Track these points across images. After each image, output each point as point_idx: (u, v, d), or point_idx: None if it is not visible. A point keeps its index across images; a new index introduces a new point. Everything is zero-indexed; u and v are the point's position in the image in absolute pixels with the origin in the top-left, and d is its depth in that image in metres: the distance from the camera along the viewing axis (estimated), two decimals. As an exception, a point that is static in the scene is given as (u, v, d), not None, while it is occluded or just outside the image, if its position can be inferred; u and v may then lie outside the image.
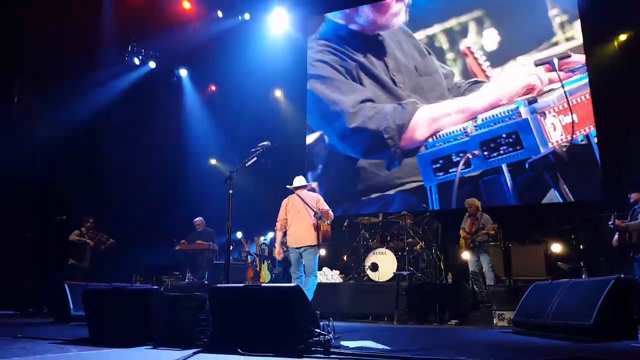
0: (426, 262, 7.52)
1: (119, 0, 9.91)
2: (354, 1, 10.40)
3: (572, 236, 7.77)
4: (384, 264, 7.22)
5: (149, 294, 4.11)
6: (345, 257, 8.64)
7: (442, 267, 7.54)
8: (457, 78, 10.53)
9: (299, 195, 5.76)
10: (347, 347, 3.56)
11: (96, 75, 9.96)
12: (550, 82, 9.69)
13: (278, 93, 11.53)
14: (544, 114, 9.74)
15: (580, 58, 9.38)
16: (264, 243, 9.70)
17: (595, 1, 8.60)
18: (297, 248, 5.60)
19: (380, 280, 7.19)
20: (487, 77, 10.35)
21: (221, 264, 8.49)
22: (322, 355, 3.27)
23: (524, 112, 9.90)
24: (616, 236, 5.71)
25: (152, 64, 11.05)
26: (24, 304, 7.79)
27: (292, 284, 3.72)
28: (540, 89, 9.71)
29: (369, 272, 7.34)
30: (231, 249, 9.14)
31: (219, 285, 4.08)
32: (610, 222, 5.60)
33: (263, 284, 5.86)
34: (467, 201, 7.12)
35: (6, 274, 7.91)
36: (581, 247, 7.54)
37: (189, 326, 3.75)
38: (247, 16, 10.93)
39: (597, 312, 3.81)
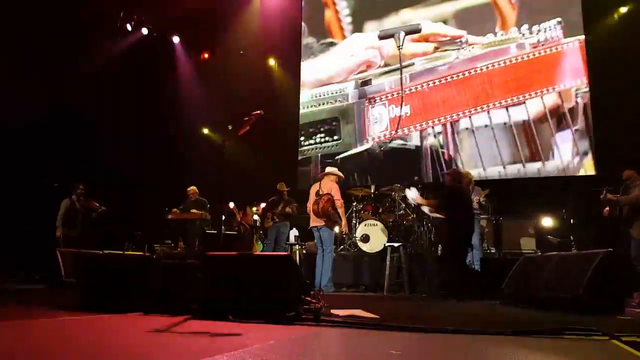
0: (417, 233, 7.56)
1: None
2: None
3: (563, 210, 7.83)
4: (375, 235, 7.26)
5: (141, 261, 4.11)
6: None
7: (433, 239, 7.59)
8: (308, 38, 10.37)
9: (320, 182, 6.71)
10: (337, 315, 3.59)
11: (88, 41, 9.70)
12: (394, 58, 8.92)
13: (272, 61, 11.34)
14: (373, 101, 9.34)
15: (451, 32, 8.96)
16: (255, 214, 9.70)
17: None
18: (313, 227, 6.60)
19: (371, 251, 7.25)
20: (343, 35, 10.01)
21: (213, 233, 8.50)
22: (312, 322, 3.29)
23: (352, 95, 9.62)
24: (607, 208, 5.75)
25: (144, 30, 10.78)
26: (15, 267, 7.78)
27: (284, 253, 3.73)
28: (376, 65, 9.20)
29: (360, 243, 7.38)
30: (223, 218, 9.18)
31: (211, 252, 4.07)
32: (601, 196, 5.63)
33: (254, 253, 5.91)
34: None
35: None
36: (572, 221, 7.60)
37: (180, 293, 3.76)
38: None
39: (585, 285, 3.86)
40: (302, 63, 10.56)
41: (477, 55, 8.95)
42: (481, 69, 8.87)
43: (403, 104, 9.02)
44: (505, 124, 8.62)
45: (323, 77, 10.46)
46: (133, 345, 2.42)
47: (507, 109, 8.63)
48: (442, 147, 8.96)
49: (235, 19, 10.89)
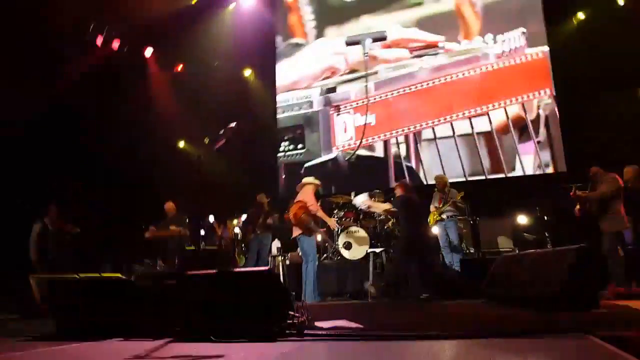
0: (398, 238, 7.61)
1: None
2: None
3: (537, 207, 8.00)
4: (357, 243, 7.28)
5: (117, 284, 4.03)
6: (319, 237, 8.67)
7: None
8: (281, 45, 10.37)
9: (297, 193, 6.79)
10: (321, 328, 3.58)
11: (57, 55, 9.50)
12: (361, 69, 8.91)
13: (247, 72, 11.32)
14: (338, 109, 9.26)
15: (429, 37, 8.96)
16: (236, 227, 9.62)
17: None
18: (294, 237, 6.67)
19: (354, 259, 7.26)
20: (305, 34, 9.94)
21: (193, 250, 8.39)
22: (296, 337, 3.28)
23: (317, 102, 9.47)
24: (577, 206, 5.91)
25: (115, 43, 10.61)
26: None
27: (265, 267, 3.71)
28: (341, 71, 9.12)
29: (342, 250, 7.39)
30: (203, 233, 9.08)
31: (190, 272, 4.03)
32: (570, 193, 5.78)
33: (236, 269, 5.84)
34: (435, 177, 7.23)
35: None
36: (545, 218, 7.78)
37: (160, 315, 3.70)
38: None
39: (561, 281, 3.95)
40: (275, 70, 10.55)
41: (442, 65, 8.95)
42: (445, 79, 8.88)
43: (368, 113, 9.00)
44: (468, 135, 8.65)
45: (287, 82, 10.31)
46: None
47: (470, 120, 8.63)
48: (406, 158, 8.97)
49: (209, 30, 10.83)
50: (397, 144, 9.06)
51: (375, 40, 9.10)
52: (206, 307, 3.60)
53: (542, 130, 8.30)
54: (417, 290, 6.14)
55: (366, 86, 8.98)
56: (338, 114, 9.26)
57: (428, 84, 8.92)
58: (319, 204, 8.41)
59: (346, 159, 8.99)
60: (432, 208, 7.11)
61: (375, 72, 9.22)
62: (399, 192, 6.55)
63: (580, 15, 8.76)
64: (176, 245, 8.25)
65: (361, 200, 6.51)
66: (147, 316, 3.74)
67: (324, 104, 9.48)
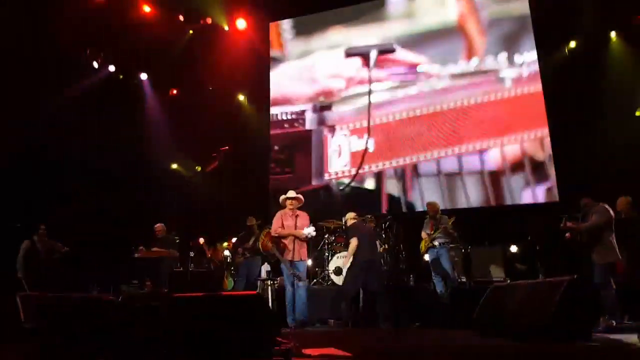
0: (389, 264, 7.57)
1: (77, 4, 9.54)
2: (312, 9, 10.33)
3: (529, 237, 8.01)
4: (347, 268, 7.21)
5: (105, 305, 3.95)
6: (309, 262, 8.59)
7: (405, 269, 7.61)
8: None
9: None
10: (309, 355, 3.52)
11: (54, 79, 9.57)
12: (361, 82, 8.23)
13: (241, 97, 11.41)
14: (332, 130, 8.43)
15: (414, 58, 8.20)
16: (226, 249, 9.54)
17: (545, 7, 8.51)
18: None
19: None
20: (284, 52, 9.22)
21: (181, 272, 8.28)
22: (284, 364, 3.22)
23: (310, 120, 8.61)
24: (568, 234, 5.92)
25: (111, 68, 10.75)
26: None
27: (253, 292, 3.67)
28: (339, 90, 8.38)
29: (333, 276, 7.32)
30: (192, 255, 8.98)
31: (177, 295, 3.96)
32: (561, 224, 5.80)
33: (224, 292, 5.77)
34: (427, 203, 7.25)
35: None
36: (537, 247, 7.78)
37: (146, 337, 3.62)
38: (208, 20, 10.77)
39: (553, 313, 3.92)
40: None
41: (448, 87, 8.17)
42: (455, 104, 8.07)
43: (368, 136, 8.16)
44: (477, 172, 7.90)
45: (277, 95, 9.50)
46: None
47: (480, 154, 7.84)
48: (404, 191, 8.23)
49: (203, 55, 10.97)
50: (398, 176, 8.24)
51: (382, 52, 8.34)
52: (193, 331, 3.53)
53: (550, 167, 7.99)
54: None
55: (369, 105, 8.17)
56: (333, 136, 8.42)
57: (435, 108, 8.19)
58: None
59: (340, 188, 8.19)
60: (423, 235, 7.09)
61: (375, 91, 8.46)
62: (349, 221, 6.68)
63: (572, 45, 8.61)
64: (165, 267, 8.15)
65: (307, 232, 6.37)
66: (133, 338, 3.65)
67: (317, 123, 8.66)
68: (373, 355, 3.54)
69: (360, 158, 8.25)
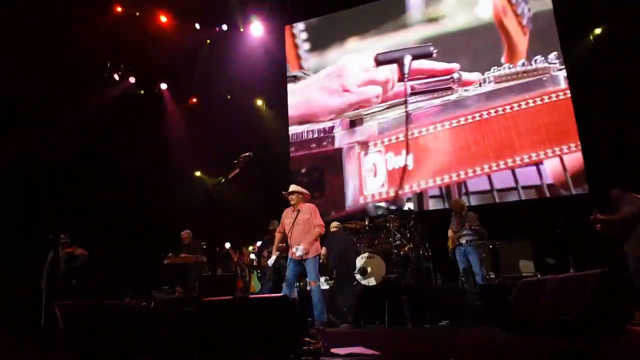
0: (415, 264, 7.53)
1: (96, 17, 9.83)
2: (327, 10, 10.32)
3: (558, 230, 7.84)
4: (372, 268, 7.22)
5: (139, 311, 4.07)
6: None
7: (431, 268, 7.56)
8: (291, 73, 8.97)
9: None
10: (337, 355, 3.55)
11: (76, 92, 9.87)
12: (396, 95, 7.40)
13: (259, 102, 11.52)
14: (366, 146, 7.63)
15: (451, 62, 7.29)
16: (252, 253, 9.65)
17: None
18: None
19: (369, 284, 7.19)
20: (303, 68, 8.56)
21: (210, 276, 8.42)
22: (313, 364, 3.25)
23: (340, 138, 7.82)
24: (598, 225, 5.79)
25: (132, 79, 11.02)
26: (13, 325, 7.63)
27: (280, 294, 3.72)
28: (377, 96, 7.59)
29: (357, 276, 7.32)
30: (219, 260, 9.13)
31: (206, 299, 4.05)
32: (591, 216, 5.68)
33: (252, 295, 5.85)
34: (451, 201, 7.18)
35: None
36: (568, 241, 7.61)
37: (179, 341, 3.72)
38: (224, 27, 10.93)
39: (584, 307, 3.84)
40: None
41: (494, 92, 7.34)
42: (504, 109, 7.27)
43: (407, 152, 7.17)
44: (536, 187, 7.05)
45: (300, 113, 8.86)
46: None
47: (537, 167, 7.02)
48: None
49: (221, 63, 11.12)
50: (442, 196, 7.31)
51: (417, 57, 7.52)
52: (224, 333, 3.60)
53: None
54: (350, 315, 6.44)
55: (406, 117, 7.28)
56: (366, 154, 7.55)
57: (481, 116, 7.33)
58: None
59: (379, 213, 7.37)
60: (450, 233, 7.03)
61: (415, 101, 7.52)
62: (331, 229, 6.94)
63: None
64: (193, 272, 8.32)
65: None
66: (166, 341, 3.76)
67: (348, 140, 7.84)
68: (402, 354, 3.53)
69: (399, 177, 7.35)
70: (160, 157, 11.22)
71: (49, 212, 8.97)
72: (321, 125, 8.34)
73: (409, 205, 8.09)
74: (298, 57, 9.11)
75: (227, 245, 10.06)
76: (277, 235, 6.14)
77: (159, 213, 10.62)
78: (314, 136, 8.40)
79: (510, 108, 7.33)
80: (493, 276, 7.56)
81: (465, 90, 7.58)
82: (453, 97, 7.66)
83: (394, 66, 7.99)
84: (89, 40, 9.59)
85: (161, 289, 8.99)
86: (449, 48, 7.83)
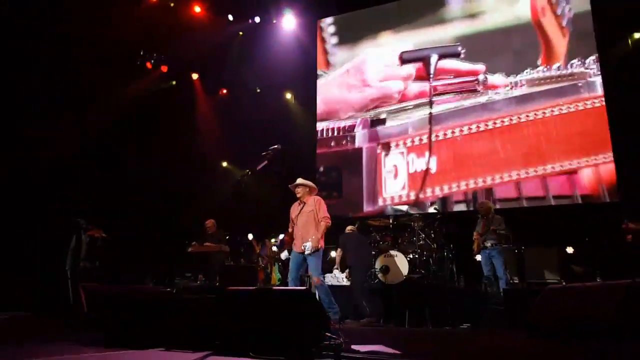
0: (438, 265, 7.47)
1: (129, 6, 10.00)
2: (360, 4, 10.25)
3: (587, 238, 7.66)
4: (395, 267, 7.20)
5: (162, 296, 4.16)
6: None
7: (455, 270, 7.49)
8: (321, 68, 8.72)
9: None
10: (357, 352, 3.56)
11: (109, 80, 10.09)
12: (420, 94, 7.04)
13: (288, 95, 11.56)
14: (387, 147, 7.36)
15: (482, 62, 6.88)
16: (275, 245, 9.73)
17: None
18: None
19: (391, 283, 7.17)
20: (328, 65, 8.37)
21: (232, 266, 8.54)
22: (333, 359, 3.27)
23: (360, 137, 7.57)
24: (629, 236, 5.64)
25: (164, 69, 11.20)
26: (37, 305, 7.87)
27: (303, 287, 3.74)
28: (398, 92, 7.30)
29: (379, 274, 7.32)
30: (242, 251, 9.24)
31: (230, 288, 4.11)
32: (623, 225, 5.53)
33: (274, 287, 5.91)
34: (478, 203, 7.09)
35: (20, 275, 8.04)
36: (595, 249, 7.43)
37: (201, 328, 3.79)
38: (257, 19, 10.99)
39: (610, 317, 3.76)
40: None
41: (526, 96, 6.96)
42: (535, 114, 6.84)
43: (430, 154, 6.88)
44: (567, 197, 6.66)
45: (322, 110, 8.78)
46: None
47: (569, 176, 6.65)
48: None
49: (252, 54, 11.19)
50: (466, 201, 7.04)
51: (443, 56, 7.22)
52: (245, 323, 3.65)
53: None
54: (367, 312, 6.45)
55: (430, 118, 6.95)
56: (387, 154, 7.30)
57: (511, 120, 6.99)
58: (356, 225, 8.35)
59: (397, 218, 7.17)
60: (475, 235, 6.95)
61: (439, 102, 7.18)
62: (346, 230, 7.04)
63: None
64: (216, 261, 8.45)
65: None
66: (188, 328, 3.84)
67: (368, 140, 7.58)
68: (423, 355, 3.52)
69: (421, 180, 7.09)
70: (189, 147, 11.40)
71: (79, 198, 9.19)
72: (341, 124, 8.13)
73: (435, 206, 8.04)
74: (325, 52, 8.92)
75: (250, 236, 10.18)
76: (290, 231, 6.07)
77: (185, 201, 10.81)
78: (334, 134, 8.20)
79: (542, 113, 6.98)
80: (517, 281, 7.44)
81: (496, 93, 7.25)
82: (482, 99, 7.32)
83: (418, 70, 7.84)
84: (124, 28, 9.78)
85: (184, 276, 9.17)
86: (483, 47, 7.51)
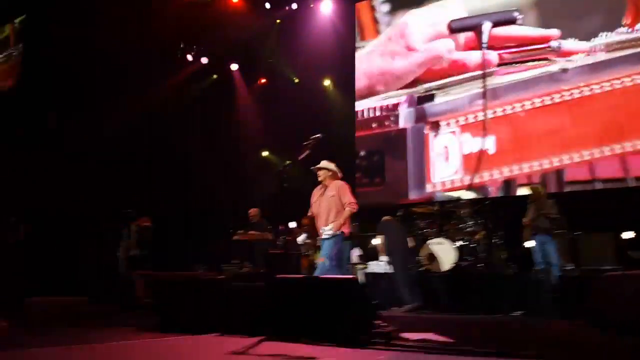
0: (487, 252, 7.27)
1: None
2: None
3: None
4: (441, 255, 7.07)
5: (216, 283, 4.27)
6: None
7: (505, 256, 7.27)
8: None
9: None
10: (407, 339, 3.53)
11: (151, 74, 10.35)
12: (475, 66, 6.11)
13: (327, 82, 11.47)
14: (436, 126, 6.55)
15: (532, 32, 5.90)
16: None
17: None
18: None
19: (438, 271, 7.05)
20: (377, 32, 7.40)
21: (277, 254, 8.63)
22: (383, 347, 3.26)
23: (405, 117, 6.77)
24: None
25: (204, 60, 11.37)
26: (92, 291, 8.23)
27: (350, 276, 3.74)
28: (446, 63, 6.41)
29: (425, 263, 7.20)
30: (285, 239, 9.33)
31: (278, 276, 4.16)
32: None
33: (321, 276, 5.90)
34: (529, 187, 6.83)
35: (76, 262, 8.45)
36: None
37: (252, 315, 3.85)
38: (294, 6, 10.93)
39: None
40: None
41: (603, 63, 6.01)
42: (611, 84, 5.86)
43: (485, 133, 6.11)
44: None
45: (364, 84, 7.96)
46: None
47: None
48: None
49: (290, 42, 11.16)
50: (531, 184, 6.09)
51: (497, 23, 6.32)
52: (295, 310, 3.69)
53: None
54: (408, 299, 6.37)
55: (484, 92, 6.11)
56: (436, 135, 6.58)
57: (581, 92, 6.05)
58: (399, 213, 8.21)
59: (443, 202, 6.42)
60: (525, 221, 6.71)
61: (497, 73, 6.33)
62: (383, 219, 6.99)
63: None
64: (261, 249, 8.58)
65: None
66: (240, 314, 3.91)
67: (414, 119, 6.78)
68: (475, 342, 3.45)
69: (477, 162, 6.30)
70: (231, 138, 11.56)
71: (124, 189, 9.50)
72: (384, 102, 7.30)
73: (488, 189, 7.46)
74: (375, 21, 7.93)
75: (293, 224, 10.25)
76: (309, 215, 5.80)
77: (227, 190, 11.01)
78: (375, 115, 7.43)
79: (621, 83, 5.89)
80: (571, 268, 7.15)
81: (568, 60, 6.25)
82: (551, 68, 6.30)
83: (469, 40, 6.93)
84: (163, 21, 9.96)
85: (230, 263, 9.38)
86: (552, 9, 6.52)
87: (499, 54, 6.55)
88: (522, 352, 2.93)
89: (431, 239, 7.35)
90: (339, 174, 5.68)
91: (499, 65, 6.41)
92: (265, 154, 12.00)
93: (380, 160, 7.30)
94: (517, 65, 6.34)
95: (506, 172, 6.26)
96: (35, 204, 8.59)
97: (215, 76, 11.80)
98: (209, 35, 10.93)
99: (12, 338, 3.47)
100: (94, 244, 8.91)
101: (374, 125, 7.37)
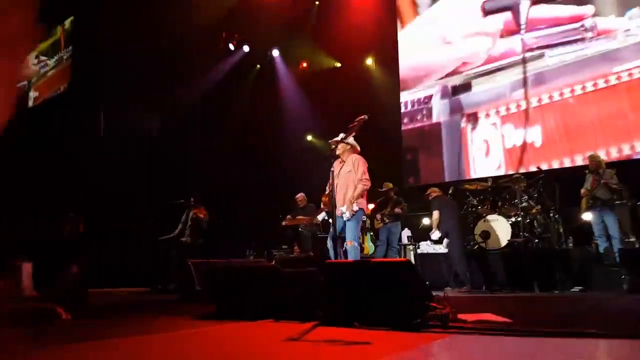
0: (543, 227, 7.01)
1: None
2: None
3: None
4: (496, 232, 6.88)
5: (268, 270, 4.36)
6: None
7: (562, 231, 6.98)
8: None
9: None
10: (465, 321, 3.45)
11: (196, 63, 10.55)
12: (514, 51, 5.53)
13: (369, 61, 11.27)
14: (474, 118, 5.96)
15: (565, 11, 5.15)
16: (365, 216, 9.72)
17: None
18: None
19: (493, 249, 6.88)
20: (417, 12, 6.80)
21: (325, 237, 8.70)
22: (440, 329, 3.21)
23: (439, 110, 6.24)
24: None
25: (246, 48, 11.49)
26: (151, 281, 8.58)
27: (403, 259, 3.70)
28: (481, 60, 5.83)
29: (479, 240, 7.04)
30: (330, 221, 9.34)
31: (330, 261, 4.17)
32: None
33: (373, 259, 5.91)
34: (588, 156, 6.50)
35: (135, 254, 8.84)
36: None
37: (305, 300, 3.90)
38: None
39: None
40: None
41: None
42: None
43: (528, 125, 5.64)
44: None
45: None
46: (274, 353, 2.58)
47: None
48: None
49: (329, 24, 11.03)
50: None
51: (536, 2, 5.85)
52: (347, 295, 3.70)
53: None
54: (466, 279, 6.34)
55: (524, 79, 5.55)
56: (474, 127, 6.17)
57: (634, 74, 5.32)
58: (451, 190, 8.04)
59: (496, 177, 6.10)
60: (583, 191, 6.39)
61: (540, 56, 5.69)
62: (432, 194, 6.82)
63: None
64: (309, 233, 8.68)
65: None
66: (293, 300, 3.97)
67: (450, 112, 6.37)
68: (536, 322, 3.34)
69: (521, 156, 5.88)
70: (275, 124, 11.66)
71: (167, 178, 9.79)
72: (414, 95, 6.96)
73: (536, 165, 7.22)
74: (414, 4, 7.50)
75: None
76: (328, 192, 5.54)
77: (274, 176, 11.15)
78: (406, 109, 7.11)
79: None
80: (633, 240, 6.78)
81: (614, 38, 5.61)
82: (599, 48, 5.62)
83: (505, 21, 6.39)
84: (205, 12, 10.05)
85: (280, 248, 9.53)
86: None
87: (531, 39, 6.12)
88: (588, 330, 2.79)
89: (485, 215, 7.17)
90: (357, 148, 5.53)
91: (536, 49, 5.89)
92: (309, 138, 12.03)
93: (413, 158, 7.04)
94: (561, 47, 5.77)
95: (556, 165, 5.87)
96: (91, 199, 8.98)
97: (258, 66, 11.91)
98: (250, 23, 10.99)
99: (74, 329, 3.68)
100: (150, 233, 9.25)
101: (405, 120, 7.13)
